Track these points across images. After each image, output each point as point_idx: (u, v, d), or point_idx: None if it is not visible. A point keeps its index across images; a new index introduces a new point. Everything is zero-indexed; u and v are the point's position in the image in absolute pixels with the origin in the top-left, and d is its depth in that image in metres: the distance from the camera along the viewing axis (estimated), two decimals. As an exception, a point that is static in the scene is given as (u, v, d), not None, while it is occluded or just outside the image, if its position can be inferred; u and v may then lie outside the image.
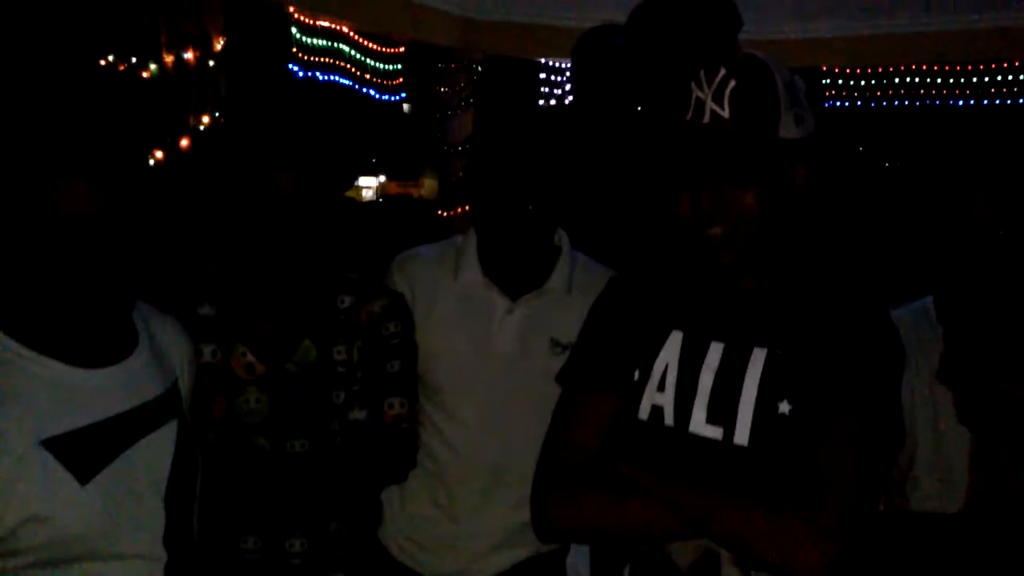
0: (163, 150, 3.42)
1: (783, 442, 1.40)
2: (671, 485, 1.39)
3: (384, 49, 7.22)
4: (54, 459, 1.30)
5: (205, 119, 3.52)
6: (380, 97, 7.58)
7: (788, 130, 1.42)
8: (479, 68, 7.20)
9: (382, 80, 7.41)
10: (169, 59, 3.44)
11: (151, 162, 3.39)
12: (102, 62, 3.43)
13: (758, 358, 1.44)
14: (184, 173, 3.42)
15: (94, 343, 1.42)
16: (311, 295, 1.81)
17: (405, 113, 11.49)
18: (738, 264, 1.46)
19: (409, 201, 11.80)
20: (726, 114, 1.41)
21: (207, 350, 1.77)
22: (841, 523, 1.31)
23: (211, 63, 3.57)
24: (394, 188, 13.13)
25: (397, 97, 7.69)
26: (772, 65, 1.44)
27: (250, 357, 1.77)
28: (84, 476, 1.32)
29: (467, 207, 7.52)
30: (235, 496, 1.77)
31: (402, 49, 7.34)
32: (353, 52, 6.98)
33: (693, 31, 2.14)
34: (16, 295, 1.36)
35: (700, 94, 1.44)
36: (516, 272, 1.93)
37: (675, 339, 1.52)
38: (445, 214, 7.45)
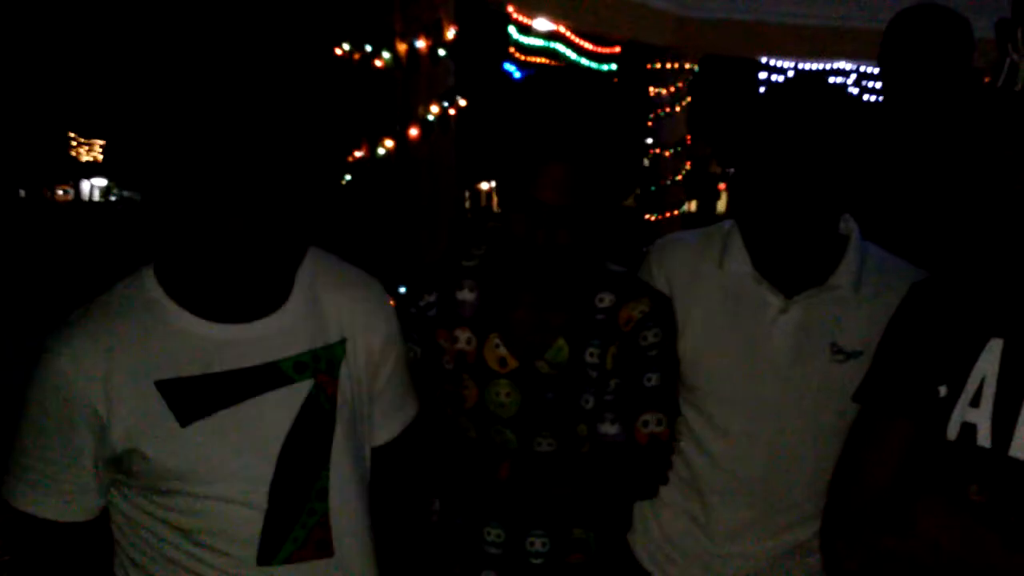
0: (394, 139, 3.43)
1: None
2: (978, 545, 1.22)
3: (599, 49, 7.13)
4: (161, 399, 1.38)
5: (434, 109, 3.50)
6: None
7: None
8: (696, 68, 7.02)
9: (596, 80, 7.32)
10: (403, 48, 3.45)
11: (381, 151, 3.40)
12: (338, 51, 3.47)
13: None
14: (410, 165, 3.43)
15: (238, 302, 1.45)
16: (570, 291, 1.67)
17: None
18: None
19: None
20: None
21: (463, 336, 1.69)
22: None
23: (442, 52, 3.55)
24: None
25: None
26: None
27: (503, 350, 1.67)
28: (185, 419, 1.39)
29: (675, 212, 7.42)
30: (481, 485, 1.69)
31: (617, 49, 7.22)
32: (568, 52, 6.93)
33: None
34: (175, 249, 1.45)
35: (1016, 57, 1.25)
36: (793, 265, 1.69)
37: (994, 347, 1.31)
38: (653, 218, 7.29)
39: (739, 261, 1.73)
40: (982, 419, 1.29)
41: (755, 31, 6.73)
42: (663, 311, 1.69)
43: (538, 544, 1.69)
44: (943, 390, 1.34)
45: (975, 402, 1.30)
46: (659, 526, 1.82)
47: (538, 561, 1.69)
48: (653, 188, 7.32)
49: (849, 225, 1.73)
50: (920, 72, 2.30)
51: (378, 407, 1.60)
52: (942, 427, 1.33)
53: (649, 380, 1.65)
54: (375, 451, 1.61)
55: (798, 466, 1.69)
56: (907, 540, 1.28)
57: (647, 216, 7.32)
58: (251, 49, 1.39)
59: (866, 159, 1.59)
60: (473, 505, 1.71)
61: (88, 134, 41.96)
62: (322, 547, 1.46)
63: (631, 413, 1.65)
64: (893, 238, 1.77)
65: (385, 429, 1.63)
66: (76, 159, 42.99)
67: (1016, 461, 1.25)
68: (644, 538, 1.84)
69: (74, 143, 42.41)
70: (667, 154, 7.25)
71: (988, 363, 1.31)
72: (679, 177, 7.34)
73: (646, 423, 1.64)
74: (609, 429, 1.65)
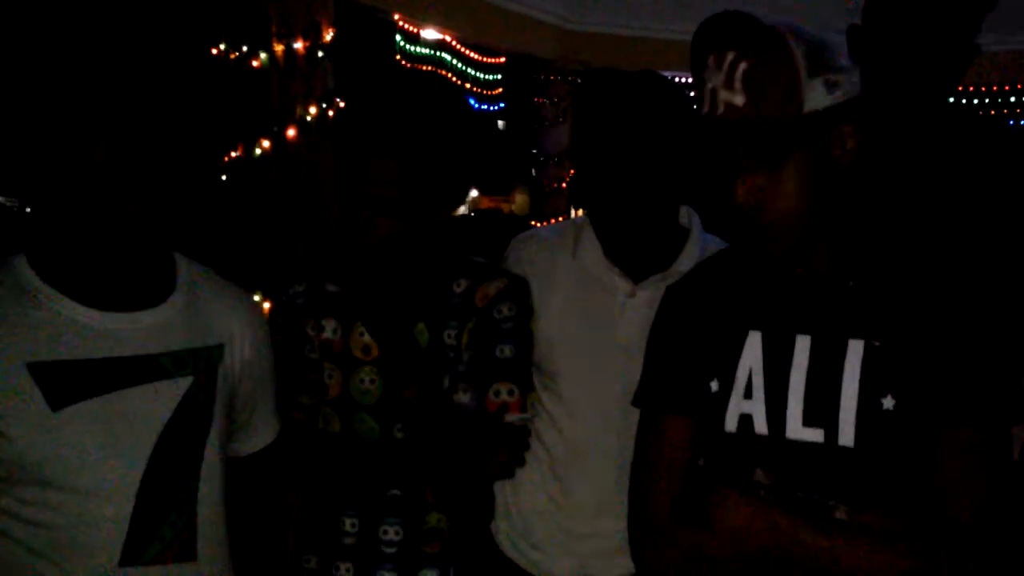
0: (271, 140, 3.43)
1: (891, 441, 1.28)
2: (773, 525, 1.29)
3: (484, 59, 7.23)
4: (33, 382, 1.35)
5: (312, 110, 3.51)
6: (479, 107, 7.58)
7: (816, 101, 1.26)
8: (578, 80, 7.18)
9: (482, 90, 7.42)
10: (279, 48, 3.45)
11: (258, 151, 3.40)
12: (214, 51, 3.45)
13: (855, 350, 1.31)
14: (293, 163, 3.43)
15: (115, 289, 1.44)
16: (427, 279, 1.73)
17: (500, 128, 11.50)
18: (792, 253, 1.33)
19: (500, 216, 11.79)
20: (741, 101, 1.26)
21: (329, 326, 1.73)
22: (969, 560, 1.21)
23: (320, 54, 3.56)
24: (486, 203, 13.15)
25: (496, 107, 7.69)
26: (790, 33, 1.28)
27: (367, 338, 1.71)
28: (57, 403, 1.35)
29: (560, 219, 7.55)
30: (339, 475, 1.72)
31: (502, 59, 7.34)
32: (454, 61, 7.00)
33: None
34: (46, 234, 1.43)
35: (713, 82, 1.30)
36: (638, 253, 1.79)
37: (754, 340, 1.39)
38: (539, 225, 7.36)
39: (591, 250, 1.81)
40: (756, 408, 1.36)
41: (639, 45, 6.91)
42: (519, 289, 1.76)
43: (391, 533, 1.70)
44: (714, 385, 1.40)
45: (748, 394, 1.37)
46: (519, 510, 1.87)
47: (391, 550, 1.70)
48: (540, 195, 7.44)
49: (691, 217, 1.85)
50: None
51: (250, 416, 1.62)
52: (720, 421, 1.39)
53: (502, 352, 1.71)
54: (242, 460, 1.63)
55: None
56: (706, 533, 1.32)
57: (533, 223, 7.43)
58: (118, 47, 1.41)
59: (682, 151, 1.68)
60: (331, 494, 1.73)
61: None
62: (186, 549, 1.43)
63: (483, 382, 1.70)
64: (728, 229, 1.89)
65: (256, 439, 1.65)
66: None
67: (793, 442, 1.33)
68: (506, 525, 1.89)
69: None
70: (552, 162, 7.38)
71: (751, 355, 1.38)
72: (563, 185, 7.48)
73: (497, 392, 1.69)
74: (462, 397, 1.69)
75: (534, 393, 1.78)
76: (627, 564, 1.78)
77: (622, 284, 1.79)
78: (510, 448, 1.73)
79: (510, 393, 1.70)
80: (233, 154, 3.47)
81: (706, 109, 1.32)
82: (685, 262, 1.78)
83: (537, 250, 1.88)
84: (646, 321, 1.76)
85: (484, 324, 1.72)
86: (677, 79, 2.46)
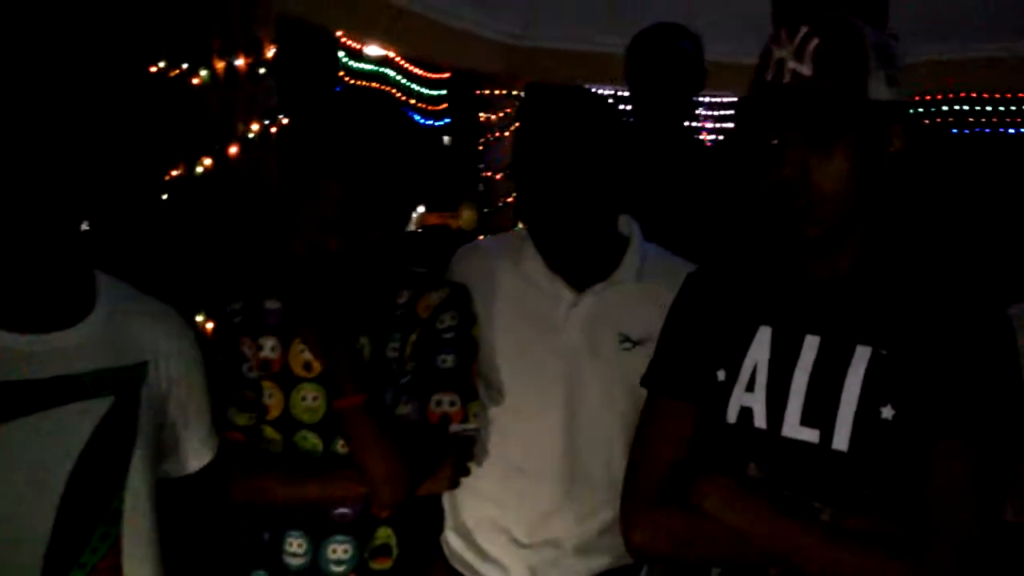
0: (212, 158, 3.39)
1: (886, 449, 1.29)
2: (755, 515, 1.31)
3: (429, 74, 7.23)
4: None
5: (255, 127, 3.48)
6: (424, 122, 7.58)
7: (879, 91, 1.30)
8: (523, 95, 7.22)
9: (427, 105, 7.42)
10: (220, 65, 3.42)
11: (199, 169, 3.36)
12: (152, 68, 3.41)
13: (862, 357, 1.33)
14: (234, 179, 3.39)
15: (32, 310, 1.40)
16: (369, 293, 1.72)
17: (445, 144, 11.52)
18: (826, 240, 1.34)
19: (448, 232, 11.79)
20: (808, 72, 1.29)
21: (268, 344, 1.71)
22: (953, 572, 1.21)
23: (262, 71, 3.54)
24: (433, 219, 13.13)
25: (441, 123, 7.68)
26: (859, 23, 1.32)
27: (308, 354, 1.69)
28: None
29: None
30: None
31: (447, 75, 7.34)
32: (398, 77, 6.99)
33: None
34: None
35: (781, 53, 1.32)
36: (579, 262, 1.80)
37: (764, 335, 1.41)
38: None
39: (533, 261, 1.82)
40: (757, 403, 1.38)
41: (583, 60, 6.95)
42: (461, 298, 1.76)
43: (340, 551, 1.69)
44: (721, 375, 1.43)
45: (750, 387, 1.39)
46: (468, 520, 1.86)
47: (340, 569, 1.69)
48: (486, 210, 7.45)
49: (631, 226, 1.87)
50: (658, 86, 2.47)
51: (182, 437, 1.59)
52: (723, 410, 1.42)
53: (444, 362, 1.71)
54: (177, 482, 1.60)
55: (595, 450, 1.79)
56: (692, 517, 1.35)
57: (480, 238, 7.42)
58: (39, 65, 1.37)
59: (615, 164, 1.72)
60: (276, 514, 1.71)
61: None
62: (112, 573, 1.40)
63: (425, 393, 1.69)
64: (667, 238, 1.92)
65: (190, 460, 1.62)
66: None
67: (787, 440, 1.35)
68: (455, 537, 1.88)
69: None
70: (498, 177, 7.40)
71: (759, 350, 1.41)
72: (510, 200, 7.51)
73: (439, 402, 1.69)
74: (404, 409, 1.69)
75: (478, 402, 1.78)
76: (578, 570, 1.80)
77: (565, 293, 1.80)
78: (455, 459, 1.73)
79: (451, 403, 1.70)
80: (174, 172, 3.42)
81: (769, 76, 1.33)
82: (626, 270, 1.81)
83: (480, 261, 1.89)
84: (589, 329, 1.79)
85: (426, 334, 1.72)
86: (618, 92, 2.50)
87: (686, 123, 2.67)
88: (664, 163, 2.43)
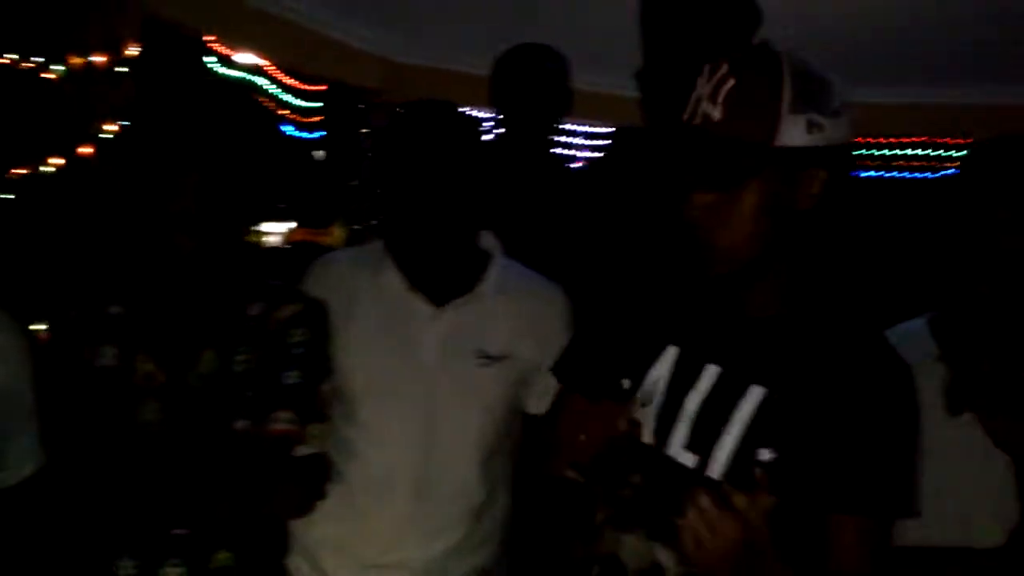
0: (63, 157, 3.22)
1: (757, 489, 1.28)
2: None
3: (304, 86, 7.10)
4: None
5: (110, 127, 3.33)
6: (298, 135, 7.43)
7: (792, 137, 1.27)
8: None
9: (300, 117, 7.27)
10: (77, 62, 3.27)
11: (51, 168, 3.19)
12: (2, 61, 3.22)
13: (753, 396, 1.34)
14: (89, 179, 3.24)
15: None
16: (219, 303, 1.65)
17: (319, 158, 11.34)
18: (731, 280, 1.36)
19: (317, 249, 11.60)
20: (718, 116, 1.28)
21: (109, 352, 1.63)
22: None
23: (123, 69, 3.39)
24: (302, 235, 12.88)
25: (315, 136, 7.55)
26: (788, 62, 1.29)
27: (151, 365, 1.61)
28: None
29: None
30: (113, 514, 1.61)
31: (324, 87, 7.23)
32: (271, 87, 6.84)
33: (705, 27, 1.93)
34: None
35: (700, 91, 1.32)
36: (438, 277, 1.78)
37: (669, 355, 1.43)
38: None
39: (391, 275, 1.79)
40: (648, 419, 1.40)
41: (462, 80, 6.96)
42: (314, 314, 1.71)
43: (174, 575, 1.61)
44: (626, 383, 1.43)
45: (647, 402, 1.41)
46: (313, 543, 1.80)
47: None
48: (356, 227, 7.34)
49: (492, 243, 1.86)
50: (522, 105, 2.50)
51: (3, 449, 1.51)
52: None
53: (288, 378, 1.66)
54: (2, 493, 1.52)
55: (451, 466, 1.76)
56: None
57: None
58: None
59: (475, 179, 1.72)
60: (106, 535, 1.61)
61: None
62: None
63: (264, 409, 1.64)
64: (528, 255, 1.92)
65: (10, 471, 1.54)
66: None
67: (669, 459, 1.37)
68: (300, 560, 1.81)
69: None
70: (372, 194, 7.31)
71: (663, 368, 1.42)
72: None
73: (277, 420, 1.64)
74: (240, 425, 1.63)
75: (321, 425, 1.72)
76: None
77: (424, 308, 1.77)
78: (302, 483, 1.67)
79: (291, 421, 1.64)
80: (22, 170, 3.24)
81: (685, 116, 1.32)
82: (488, 285, 1.80)
83: (338, 272, 1.84)
84: (446, 345, 1.77)
85: (274, 349, 1.66)
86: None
87: (553, 145, 2.69)
88: (527, 181, 2.44)
